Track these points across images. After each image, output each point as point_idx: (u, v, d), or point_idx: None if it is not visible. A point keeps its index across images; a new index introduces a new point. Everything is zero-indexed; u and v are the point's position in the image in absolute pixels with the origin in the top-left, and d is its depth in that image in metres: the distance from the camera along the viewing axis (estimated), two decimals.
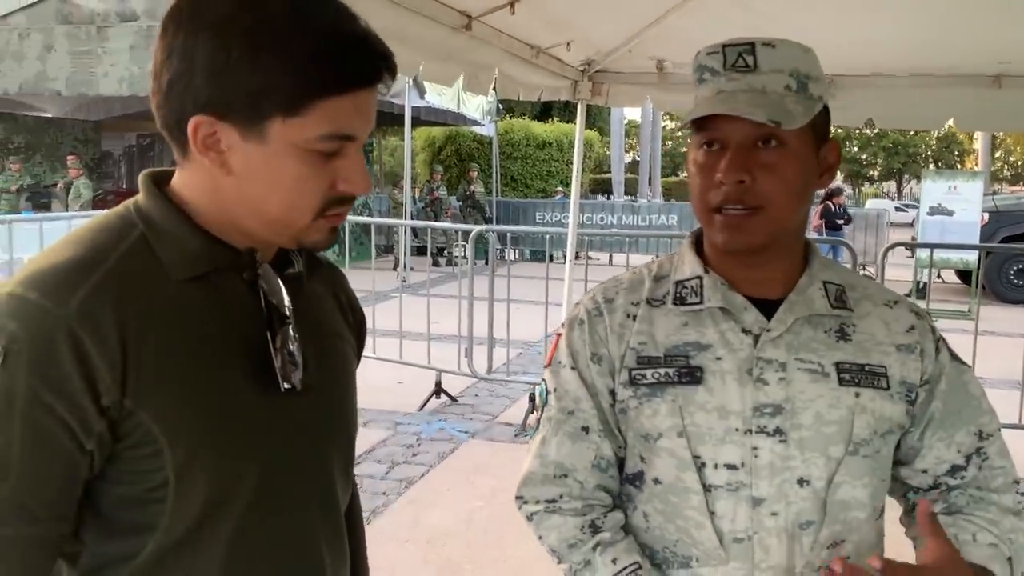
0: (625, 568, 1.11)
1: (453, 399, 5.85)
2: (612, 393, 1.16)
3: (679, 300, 1.15)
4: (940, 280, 12.87)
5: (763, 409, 1.09)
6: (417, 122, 14.13)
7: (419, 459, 4.69)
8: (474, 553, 3.52)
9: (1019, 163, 42.97)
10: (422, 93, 12.27)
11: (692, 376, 1.11)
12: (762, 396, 1.09)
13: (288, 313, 0.93)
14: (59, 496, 0.83)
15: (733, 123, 1.05)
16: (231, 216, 0.89)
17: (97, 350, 0.80)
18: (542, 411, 1.21)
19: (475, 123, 15.30)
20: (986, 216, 11.72)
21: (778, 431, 1.09)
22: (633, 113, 32.29)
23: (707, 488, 1.10)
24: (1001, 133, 31.70)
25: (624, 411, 1.15)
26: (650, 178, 25.11)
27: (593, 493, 1.16)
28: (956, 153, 45.23)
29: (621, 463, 1.19)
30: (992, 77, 3.76)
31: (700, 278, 1.15)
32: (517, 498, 1.20)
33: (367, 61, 0.85)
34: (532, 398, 5.39)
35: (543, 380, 1.23)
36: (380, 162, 17.93)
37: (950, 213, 11.59)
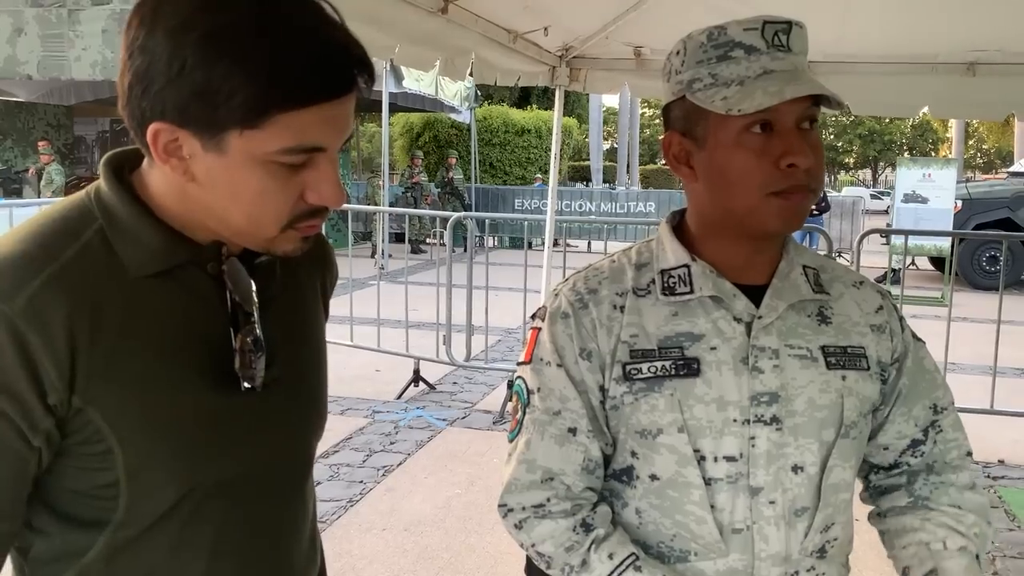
0: (624, 561, 1.08)
1: (431, 387, 5.83)
2: (602, 389, 1.12)
3: (668, 290, 1.12)
4: (914, 267, 13.01)
5: (760, 398, 1.08)
6: (395, 108, 14.04)
7: (397, 447, 4.68)
8: (451, 541, 3.52)
9: (992, 151, 43.49)
10: (400, 79, 12.20)
11: (689, 368, 1.08)
12: (758, 385, 1.08)
13: (254, 309, 0.89)
14: (6, 494, 0.81)
15: (790, 104, 1.02)
16: (199, 218, 0.86)
17: (43, 348, 0.78)
18: (523, 412, 1.15)
19: (453, 110, 15.22)
20: (959, 203, 11.85)
21: (775, 419, 1.08)
22: (611, 100, 32.34)
23: (708, 482, 1.08)
24: (975, 121, 32.05)
25: (616, 407, 1.11)
26: (628, 166, 25.19)
27: (580, 494, 1.13)
28: (930, 141, 45.69)
29: (607, 460, 1.16)
30: (966, 65, 3.78)
31: (687, 266, 1.12)
32: (501, 506, 1.14)
33: (337, 72, 0.79)
34: (511, 385, 5.37)
35: (520, 377, 1.17)
36: (358, 148, 17.81)
37: (924, 200, 11.71)
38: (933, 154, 41.01)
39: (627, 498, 1.14)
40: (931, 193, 11.70)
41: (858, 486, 1.24)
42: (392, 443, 4.74)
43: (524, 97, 25.27)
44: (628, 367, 1.10)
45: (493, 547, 3.44)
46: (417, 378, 5.75)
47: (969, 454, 1.22)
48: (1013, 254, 11.10)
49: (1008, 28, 3.42)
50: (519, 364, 1.20)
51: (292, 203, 0.83)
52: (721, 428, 1.08)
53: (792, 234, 1.17)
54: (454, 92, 14.19)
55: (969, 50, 3.67)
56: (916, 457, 1.20)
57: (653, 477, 1.11)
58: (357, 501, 3.92)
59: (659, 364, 1.09)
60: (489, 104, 19.34)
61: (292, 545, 1.00)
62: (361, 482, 4.15)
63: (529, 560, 1.25)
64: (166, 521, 0.87)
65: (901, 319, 1.21)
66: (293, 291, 1.00)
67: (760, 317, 1.10)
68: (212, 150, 0.79)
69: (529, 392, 1.15)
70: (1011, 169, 14.46)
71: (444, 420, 5.18)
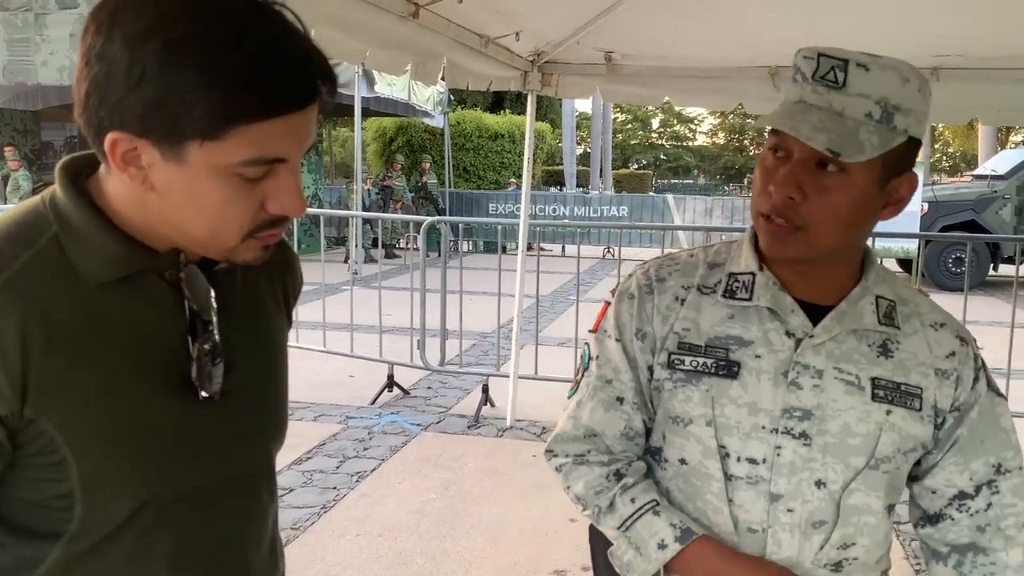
0: (644, 505, 1.15)
1: (406, 392, 5.81)
2: (650, 369, 1.20)
3: (729, 293, 1.16)
4: None
5: (792, 412, 1.11)
6: (367, 113, 13.98)
7: (370, 453, 4.66)
8: (426, 546, 3.51)
9: (957, 154, 44.22)
10: (372, 83, 12.16)
11: (729, 370, 1.13)
12: (793, 399, 1.11)
13: (212, 317, 0.89)
14: None
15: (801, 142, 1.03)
16: (157, 227, 0.84)
17: None
18: (582, 374, 1.26)
19: (426, 114, 15.21)
20: (925, 206, 12.03)
21: (804, 435, 1.10)
22: (584, 105, 32.46)
23: (728, 477, 1.13)
24: (940, 125, 32.53)
25: (658, 389, 1.19)
26: (601, 170, 25.31)
27: (619, 454, 1.21)
28: None
29: (648, 432, 1.24)
30: (930, 70, 3.85)
31: (753, 274, 1.15)
32: (547, 451, 1.26)
33: (299, 83, 0.78)
34: (485, 389, 5.39)
35: (586, 344, 1.27)
36: (331, 153, 17.71)
37: None
38: None
39: (658, 478, 1.21)
40: None
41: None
42: (366, 449, 4.72)
43: (497, 102, 25.29)
44: (673, 357, 1.17)
45: (468, 551, 3.44)
46: (391, 383, 5.73)
47: None
48: (978, 255, 11.31)
49: (970, 34, 3.49)
50: (589, 332, 1.29)
51: (253, 213, 0.82)
52: (749, 431, 1.12)
53: (876, 260, 1.17)
54: (427, 96, 14.17)
55: (932, 55, 3.74)
56: (962, 512, 1.16)
57: (683, 462, 1.17)
58: (331, 507, 3.89)
59: (701, 360, 1.15)
60: (462, 109, 19.32)
61: (252, 553, 0.99)
62: (335, 488, 4.12)
63: (591, 530, 1.34)
64: (123, 532, 0.85)
65: (979, 370, 1.16)
66: (253, 298, 0.99)
67: (812, 336, 1.11)
68: (172, 160, 0.78)
69: (590, 358, 1.25)
70: (975, 172, 14.71)
71: (418, 425, 5.17)
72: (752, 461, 1.11)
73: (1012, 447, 1.16)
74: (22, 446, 0.80)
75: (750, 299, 1.14)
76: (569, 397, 1.27)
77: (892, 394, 1.11)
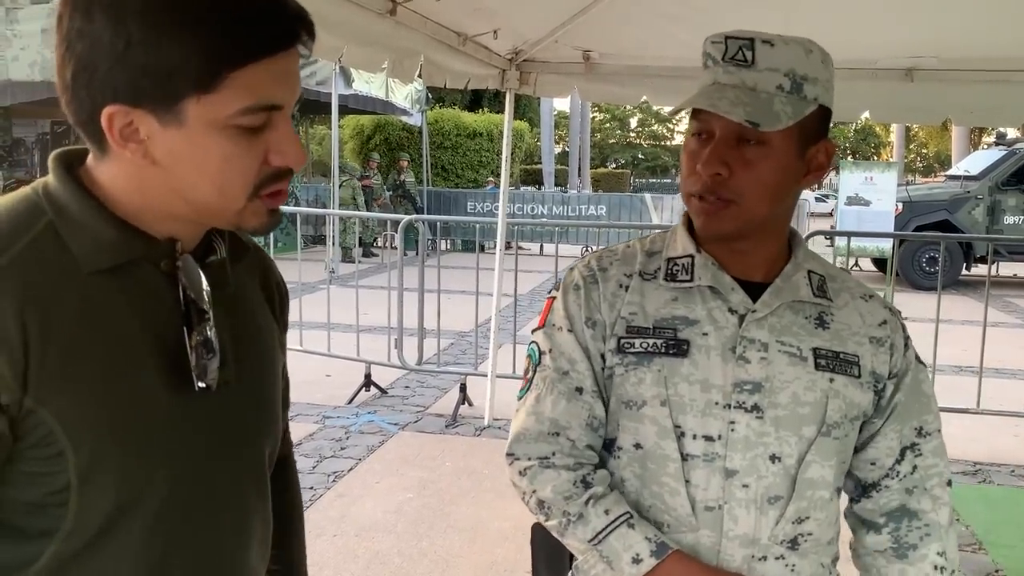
0: (618, 518, 1.13)
1: (383, 391, 5.79)
2: (603, 357, 1.20)
3: (670, 276, 1.19)
4: (857, 268, 13.32)
5: (743, 386, 1.13)
6: (345, 110, 13.92)
7: (347, 452, 4.63)
8: (403, 546, 3.50)
9: (931, 155, 44.75)
10: (349, 81, 12.10)
11: (679, 348, 1.15)
12: (743, 373, 1.13)
13: (207, 307, 0.88)
14: None
15: (720, 117, 1.08)
16: (161, 206, 0.84)
17: None
18: (533, 371, 1.23)
19: (404, 112, 15.16)
20: (900, 206, 12.17)
21: (756, 408, 1.13)
22: (562, 104, 32.51)
23: (684, 457, 1.13)
24: (915, 126, 32.91)
25: (610, 376, 1.19)
26: (579, 169, 25.39)
27: (584, 452, 1.19)
28: (873, 145, 46.83)
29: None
30: (904, 71, 3.89)
31: (692, 257, 1.19)
32: (508, 455, 1.22)
33: (279, 24, 0.80)
34: (463, 388, 5.38)
35: (533, 342, 1.26)
36: (308, 151, 17.59)
37: (867, 203, 12.00)
38: (875, 158, 42.01)
39: (612, 468, 1.20)
40: (873, 196, 12.00)
41: (844, 500, 1.24)
42: (343, 448, 4.70)
43: (476, 100, 25.26)
44: (623, 340, 1.18)
45: (445, 551, 3.43)
46: (368, 382, 5.70)
47: (949, 483, 1.23)
48: (951, 255, 11.45)
49: (944, 35, 3.53)
50: (533, 331, 1.28)
51: (257, 167, 0.83)
52: (703, 408, 1.13)
53: (803, 239, 1.24)
54: (405, 94, 14.12)
55: (907, 56, 3.78)
56: (893, 479, 1.21)
57: (637, 446, 1.17)
58: (307, 507, 3.87)
59: (651, 341, 1.16)
60: (440, 107, 19.27)
61: (239, 555, 0.98)
62: (311, 488, 4.09)
63: (534, 532, 1.33)
64: (117, 527, 0.84)
65: (907, 338, 1.24)
66: (243, 294, 0.99)
67: (755, 311, 1.15)
68: (171, 124, 0.79)
69: (541, 353, 1.23)
70: (949, 173, 14.89)
71: (396, 424, 5.15)
72: (708, 438, 1.13)
73: (932, 412, 1.23)
74: (22, 437, 0.79)
75: (691, 280, 1.18)
76: (520, 397, 1.25)
77: (833, 363, 1.16)
